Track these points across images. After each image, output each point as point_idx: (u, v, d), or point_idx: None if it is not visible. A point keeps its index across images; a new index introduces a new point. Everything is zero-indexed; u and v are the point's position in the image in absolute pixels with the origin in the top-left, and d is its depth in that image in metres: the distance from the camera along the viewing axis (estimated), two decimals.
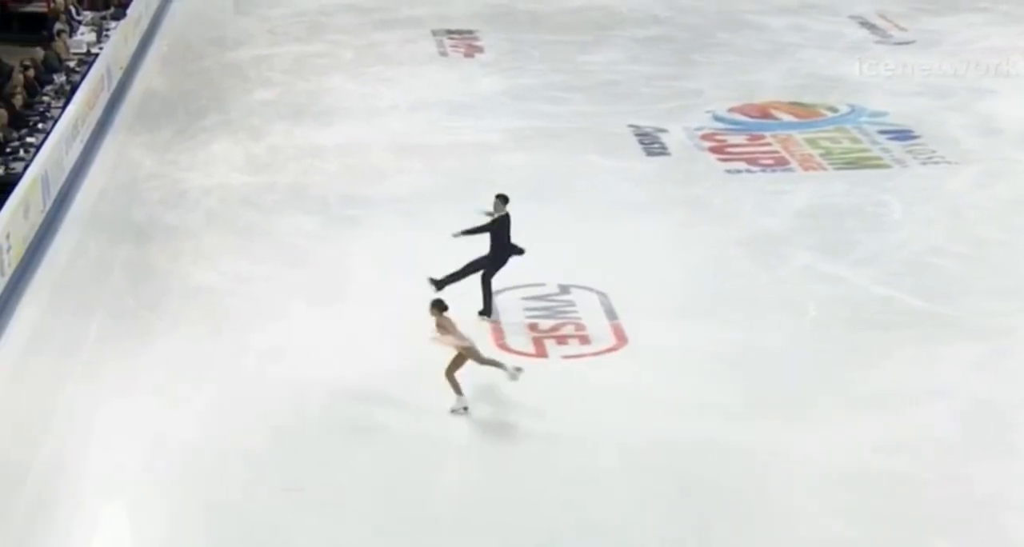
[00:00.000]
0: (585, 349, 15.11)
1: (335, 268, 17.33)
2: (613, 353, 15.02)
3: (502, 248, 15.40)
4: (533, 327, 15.54)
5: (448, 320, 13.48)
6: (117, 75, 25.02)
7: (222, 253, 17.90)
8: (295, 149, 21.92)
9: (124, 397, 14.03)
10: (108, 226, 18.88)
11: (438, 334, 13.42)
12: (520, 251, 15.47)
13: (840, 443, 13.08)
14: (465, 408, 13.48)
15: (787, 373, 14.50)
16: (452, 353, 13.50)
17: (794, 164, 21.28)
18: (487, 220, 15.48)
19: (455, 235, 15.40)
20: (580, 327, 15.60)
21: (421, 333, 14.85)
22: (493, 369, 13.56)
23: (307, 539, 11.77)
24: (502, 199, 15.51)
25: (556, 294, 16.36)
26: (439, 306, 13.53)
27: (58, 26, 25.43)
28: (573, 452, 12.99)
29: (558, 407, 13.75)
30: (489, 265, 15.45)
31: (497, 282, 15.76)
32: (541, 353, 14.84)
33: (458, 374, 13.51)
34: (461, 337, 13.41)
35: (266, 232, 18.56)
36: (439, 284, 15.32)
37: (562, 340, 15.30)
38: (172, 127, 23.09)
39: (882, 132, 22.64)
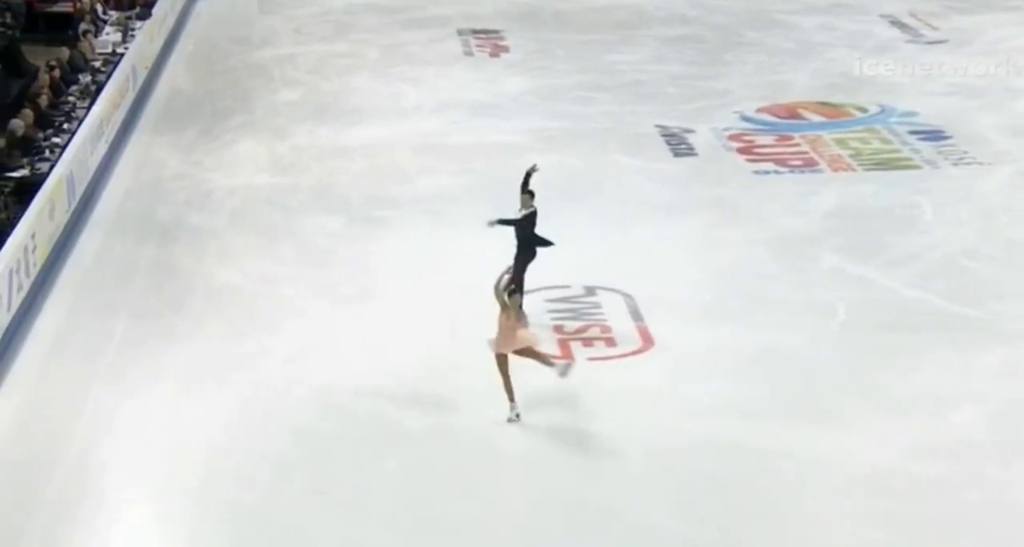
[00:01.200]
0: (611, 351, 15.08)
1: (359, 269, 17.36)
2: (639, 355, 14.99)
3: (528, 242, 15.39)
4: (559, 329, 15.52)
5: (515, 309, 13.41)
6: (142, 75, 25.14)
7: (246, 254, 17.95)
8: (319, 149, 21.97)
9: (148, 398, 14.08)
10: (133, 226, 18.96)
11: (504, 317, 13.20)
12: (548, 243, 15.43)
13: (870, 447, 13.01)
14: (518, 415, 13.39)
15: (816, 376, 14.44)
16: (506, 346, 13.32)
17: (823, 165, 21.19)
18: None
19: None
20: (606, 329, 15.58)
21: (446, 334, 14.86)
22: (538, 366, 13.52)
23: (329, 541, 11.78)
24: (530, 194, 15.49)
25: (582, 296, 16.34)
26: (512, 291, 13.44)
27: (83, 26, 25.55)
28: (599, 454, 12.97)
29: (584, 409, 13.72)
30: (522, 261, 15.45)
31: (525, 284, 15.75)
32: (567, 355, 14.82)
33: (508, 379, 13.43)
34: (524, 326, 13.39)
35: (290, 233, 18.60)
36: (512, 292, 15.25)
37: (588, 342, 15.28)
38: (197, 127, 23.18)
39: (913, 132, 22.53)
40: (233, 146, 22.23)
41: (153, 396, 14.11)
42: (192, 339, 15.42)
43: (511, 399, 13.42)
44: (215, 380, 14.44)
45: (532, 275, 15.63)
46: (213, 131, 22.96)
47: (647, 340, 15.30)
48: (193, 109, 24.27)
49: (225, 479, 12.66)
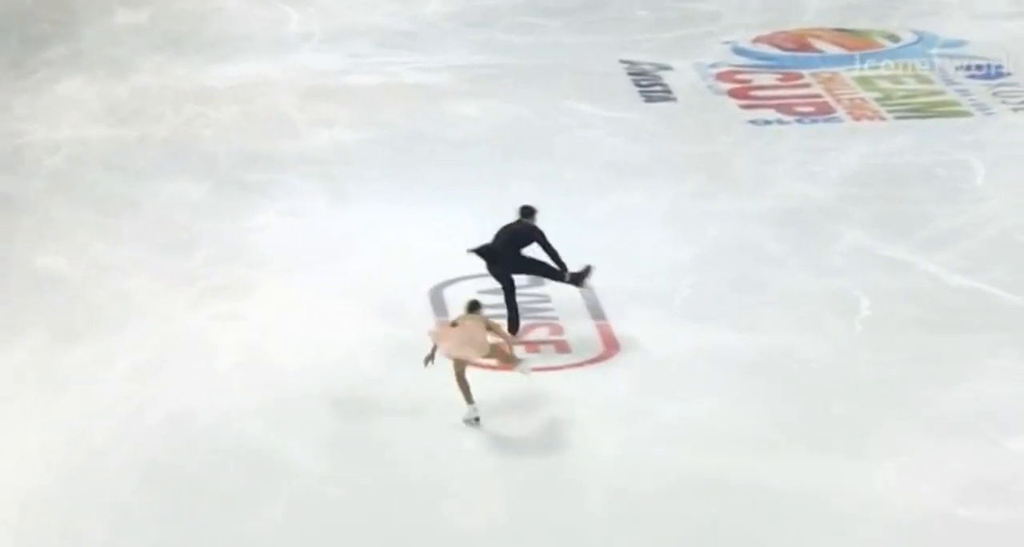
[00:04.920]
0: (564, 359, 15.20)
1: (229, 253, 17.36)
2: (600, 364, 15.11)
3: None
4: (494, 330, 15.61)
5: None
6: None
7: (74, 232, 17.89)
8: (173, 92, 21.92)
9: None
10: None
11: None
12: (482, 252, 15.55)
13: (905, 485, 13.15)
14: (477, 419, 13.80)
15: (834, 390, 14.60)
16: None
17: (841, 112, 21.45)
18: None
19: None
20: (557, 330, 15.70)
21: (347, 339, 14.89)
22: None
23: None
24: (527, 211, 15.52)
25: (525, 286, 16.41)
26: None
27: None
28: (549, 494, 13.03)
29: (528, 436, 13.82)
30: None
31: (448, 271, 15.97)
32: (504, 365, 14.91)
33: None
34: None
35: (134, 204, 18.57)
36: (579, 278, 15.48)
37: (533, 347, 15.37)
38: (2, 59, 23.00)
39: (960, 68, 22.84)
40: (53, 86, 22.12)
41: None
42: (3, 346, 15.34)
43: (469, 401, 13.73)
44: (33, 402, 14.38)
45: (459, 261, 15.71)
46: (25, 65, 22.83)
47: (611, 344, 15.43)
48: None
49: (46, 539, 12.59)
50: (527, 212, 15.53)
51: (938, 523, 12.75)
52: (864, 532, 12.66)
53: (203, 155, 19.88)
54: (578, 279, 15.60)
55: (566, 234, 17.44)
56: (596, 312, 15.98)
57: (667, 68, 22.76)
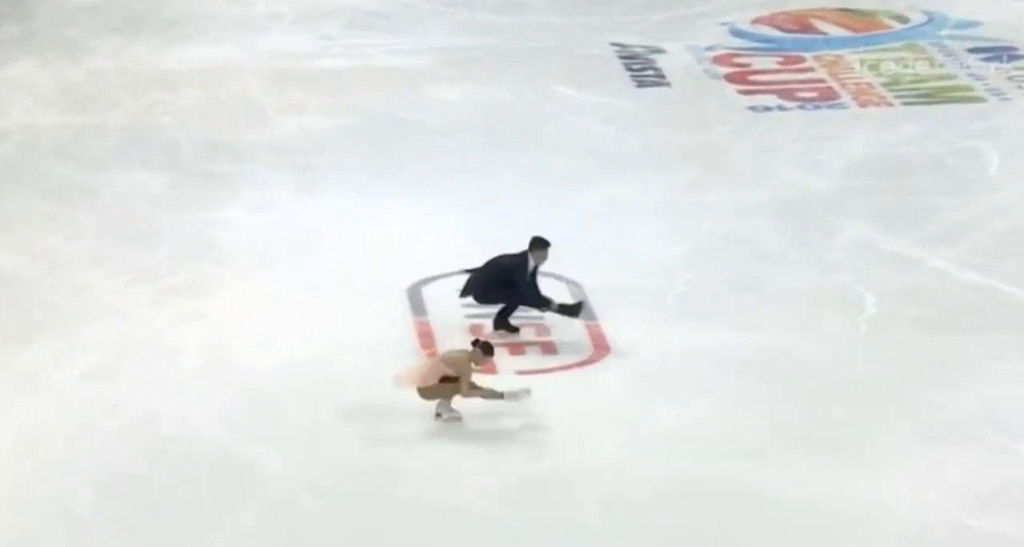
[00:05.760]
0: (551, 361, 15.26)
1: (192, 248, 17.40)
2: (590, 367, 15.17)
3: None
4: (476, 330, 15.69)
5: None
6: None
7: (26, 225, 17.93)
8: (132, 76, 21.93)
9: None
10: None
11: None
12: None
13: (913, 493, 13.19)
14: (457, 418, 13.92)
15: (836, 393, 14.68)
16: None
17: (846, 98, 21.53)
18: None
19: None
20: (543, 330, 15.76)
21: (317, 341, 14.92)
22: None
23: None
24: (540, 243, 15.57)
25: None
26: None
27: None
28: (538, 505, 13.08)
29: (514, 443, 13.88)
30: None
31: (428, 268, 16.03)
32: (487, 368, 14.96)
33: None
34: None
35: (91, 195, 18.60)
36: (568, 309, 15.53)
37: (517, 349, 15.44)
38: None
39: (973, 50, 22.95)
40: (2, 69, 22.15)
41: None
42: None
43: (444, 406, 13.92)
44: None
45: (442, 256, 15.76)
46: None
47: (601, 346, 15.50)
48: None
49: None
50: (537, 244, 15.41)
51: (945, 532, 12.81)
52: (867, 542, 12.71)
53: (164, 144, 19.89)
54: (568, 310, 15.58)
55: (551, 228, 17.48)
56: (586, 312, 16.00)
57: (660, 51, 22.82)
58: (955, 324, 15.92)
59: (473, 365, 13.94)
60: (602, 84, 21.79)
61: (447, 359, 14.00)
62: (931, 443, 13.91)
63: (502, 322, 15.59)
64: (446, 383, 13.86)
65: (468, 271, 15.62)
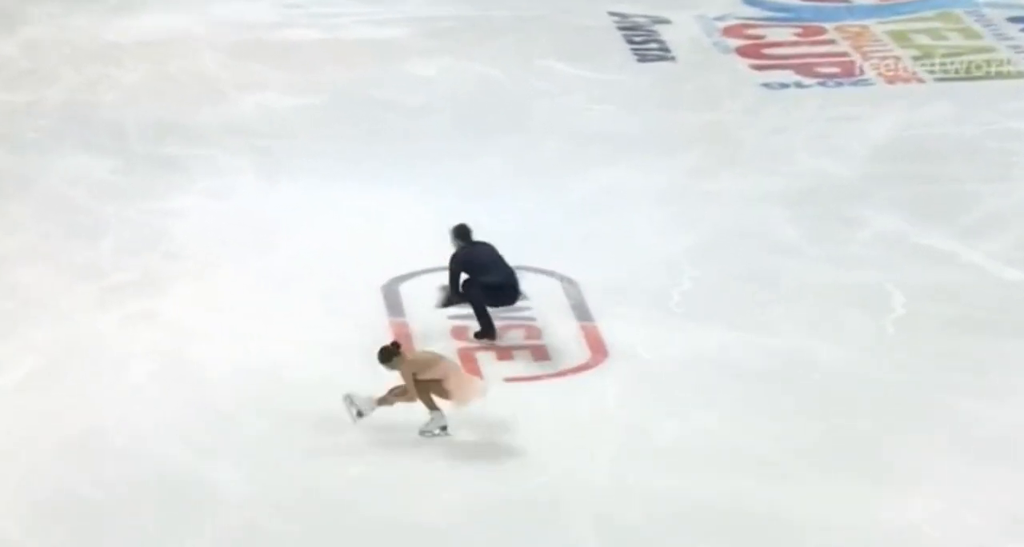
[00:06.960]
0: (543, 368, 15.25)
1: (142, 241, 17.38)
2: (585, 374, 15.17)
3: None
4: (459, 334, 15.71)
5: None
6: None
7: None
8: (72, 48, 21.89)
9: None
10: None
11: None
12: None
13: (953, 515, 13.21)
14: (444, 428, 13.90)
15: (859, 404, 14.68)
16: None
17: (871, 73, 21.53)
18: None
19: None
20: (533, 333, 15.77)
21: (282, 343, 14.93)
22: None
23: None
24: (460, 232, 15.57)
25: None
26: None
27: None
28: (529, 528, 13.09)
29: (502, 456, 13.87)
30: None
31: (406, 265, 16.05)
32: (472, 374, 14.95)
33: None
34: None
35: (26, 182, 18.62)
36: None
37: (505, 354, 15.45)
38: None
39: (1014, 19, 22.95)
40: None
41: None
42: None
43: (433, 408, 13.86)
44: None
45: (422, 252, 15.78)
46: None
47: (598, 350, 15.49)
48: None
49: None
50: (459, 233, 15.45)
51: None
52: None
53: (108, 124, 19.87)
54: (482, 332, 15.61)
55: (543, 219, 17.53)
56: (580, 312, 16.05)
57: (664, 21, 22.82)
58: (993, 326, 15.95)
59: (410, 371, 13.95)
60: (598, 58, 21.79)
61: (416, 362, 13.99)
62: (967, 460, 13.91)
63: (481, 327, 15.56)
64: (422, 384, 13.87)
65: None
